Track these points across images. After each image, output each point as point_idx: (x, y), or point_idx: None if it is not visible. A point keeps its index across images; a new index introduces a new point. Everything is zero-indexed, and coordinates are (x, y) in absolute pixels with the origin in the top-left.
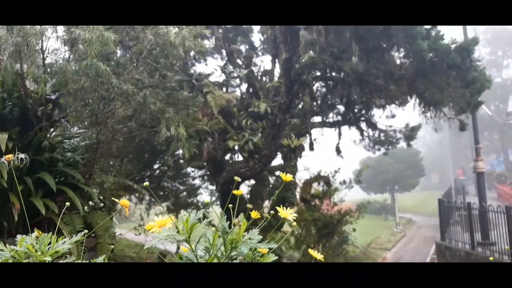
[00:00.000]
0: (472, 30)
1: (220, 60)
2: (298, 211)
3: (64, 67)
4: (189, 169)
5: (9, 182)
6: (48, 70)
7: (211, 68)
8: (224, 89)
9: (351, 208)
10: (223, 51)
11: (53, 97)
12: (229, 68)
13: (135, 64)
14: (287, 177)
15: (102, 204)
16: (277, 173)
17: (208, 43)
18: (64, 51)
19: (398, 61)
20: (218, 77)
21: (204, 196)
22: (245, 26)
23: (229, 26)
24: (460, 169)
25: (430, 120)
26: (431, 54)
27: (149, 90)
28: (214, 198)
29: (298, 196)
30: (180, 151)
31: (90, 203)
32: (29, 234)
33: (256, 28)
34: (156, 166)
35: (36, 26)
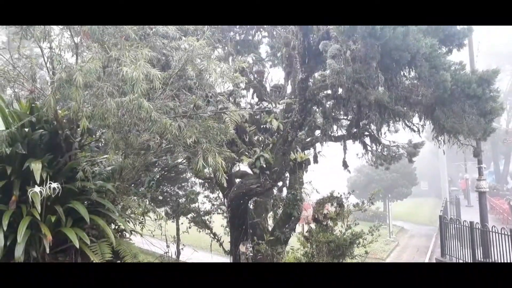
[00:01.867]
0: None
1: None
2: (310, 231)
3: (107, 103)
4: (189, 174)
5: (41, 211)
6: (89, 103)
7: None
8: (232, 100)
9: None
10: (232, 62)
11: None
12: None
13: (165, 89)
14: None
15: (123, 228)
16: (280, 183)
17: (218, 53)
18: (107, 86)
19: (419, 90)
20: (228, 90)
21: (206, 205)
22: (255, 39)
23: (238, 39)
24: (463, 180)
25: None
26: (451, 84)
27: (183, 122)
28: (214, 207)
29: (304, 212)
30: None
31: (112, 225)
32: None
33: (264, 40)
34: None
35: (81, 61)
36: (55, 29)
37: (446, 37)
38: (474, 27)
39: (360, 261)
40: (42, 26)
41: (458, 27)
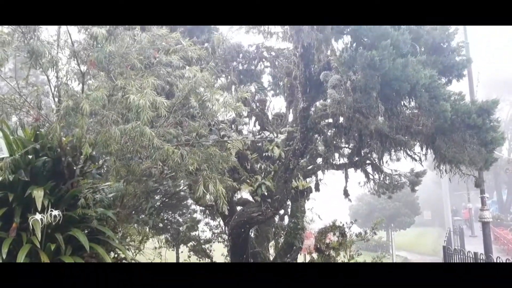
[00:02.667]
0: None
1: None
2: (312, 261)
3: (111, 130)
4: (190, 201)
5: (41, 239)
6: (92, 130)
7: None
8: (234, 128)
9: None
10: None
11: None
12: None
13: (168, 117)
14: None
15: (123, 256)
16: (281, 212)
17: (221, 82)
18: (112, 114)
19: (419, 120)
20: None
21: (206, 233)
22: (258, 69)
23: (241, 68)
24: (466, 209)
25: (431, 163)
26: (451, 114)
27: (186, 150)
28: (214, 235)
29: (306, 241)
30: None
31: (112, 254)
32: None
33: (266, 70)
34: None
35: (87, 89)
36: (63, 58)
37: (445, 68)
38: (474, 59)
39: None
40: (49, 55)
41: (457, 58)
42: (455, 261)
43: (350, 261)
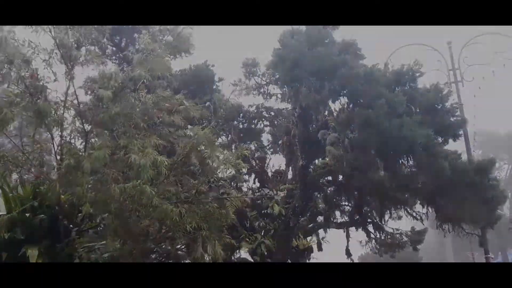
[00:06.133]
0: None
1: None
2: None
3: (111, 188)
4: (187, 261)
5: None
6: (92, 188)
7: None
8: (233, 185)
9: None
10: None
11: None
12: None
13: (168, 175)
14: None
15: None
16: None
17: (222, 140)
18: (112, 172)
19: (419, 178)
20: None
21: None
22: (258, 128)
23: (241, 127)
24: None
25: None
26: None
27: (184, 207)
28: None
29: None
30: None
31: None
32: None
33: (266, 129)
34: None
35: (89, 147)
36: (68, 118)
37: (441, 128)
38: (468, 119)
39: None
40: (55, 115)
41: (452, 119)
42: None
43: None
